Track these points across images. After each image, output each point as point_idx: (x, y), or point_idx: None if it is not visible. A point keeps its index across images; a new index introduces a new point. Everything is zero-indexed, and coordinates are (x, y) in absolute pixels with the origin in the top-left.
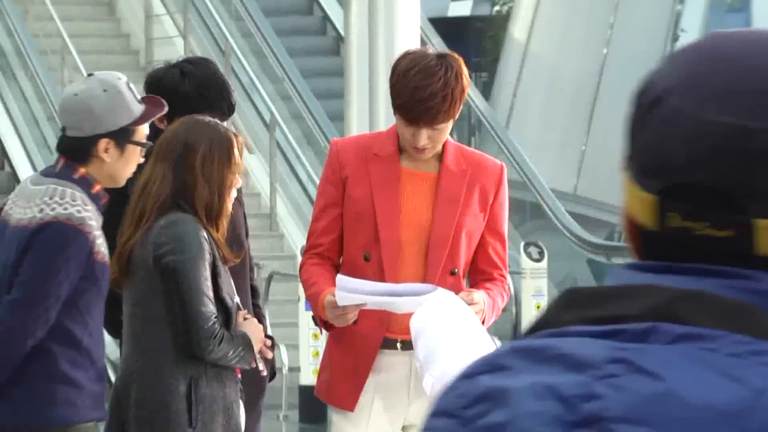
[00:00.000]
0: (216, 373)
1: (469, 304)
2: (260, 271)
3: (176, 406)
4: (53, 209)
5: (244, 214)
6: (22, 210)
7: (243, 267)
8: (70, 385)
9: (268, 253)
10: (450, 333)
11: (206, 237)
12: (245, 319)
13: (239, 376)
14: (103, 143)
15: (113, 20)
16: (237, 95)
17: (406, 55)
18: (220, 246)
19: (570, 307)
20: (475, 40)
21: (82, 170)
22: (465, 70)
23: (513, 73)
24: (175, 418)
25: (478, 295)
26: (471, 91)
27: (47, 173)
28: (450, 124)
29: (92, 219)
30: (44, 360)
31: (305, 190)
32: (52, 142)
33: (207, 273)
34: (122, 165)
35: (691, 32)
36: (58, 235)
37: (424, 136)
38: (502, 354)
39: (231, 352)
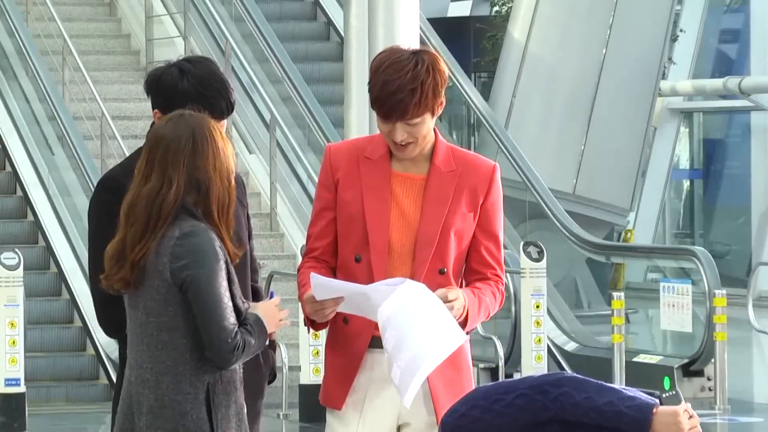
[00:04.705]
0: (228, 378)
1: (445, 302)
2: (260, 270)
3: (197, 415)
4: None
5: (248, 215)
6: None
7: (244, 267)
8: None
9: (268, 253)
10: (418, 324)
11: (219, 244)
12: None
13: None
14: None
15: (114, 21)
16: (237, 95)
17: (381, 53)
18: (227, 245)
19: None
20: (474, 41)
21: None
22: (441, 65)
23: (512, 74)
24: (196, 427)
25: (455, 292)
26: (470, 92)
27: None
28: (427, 119)
29: None
30: None
31: (305, 189)
32: (53, 141)
33: (225, 283)
34: None
35: (689, 33)
36: None
37: (400, 132)
38: None
39: (253, 349)
